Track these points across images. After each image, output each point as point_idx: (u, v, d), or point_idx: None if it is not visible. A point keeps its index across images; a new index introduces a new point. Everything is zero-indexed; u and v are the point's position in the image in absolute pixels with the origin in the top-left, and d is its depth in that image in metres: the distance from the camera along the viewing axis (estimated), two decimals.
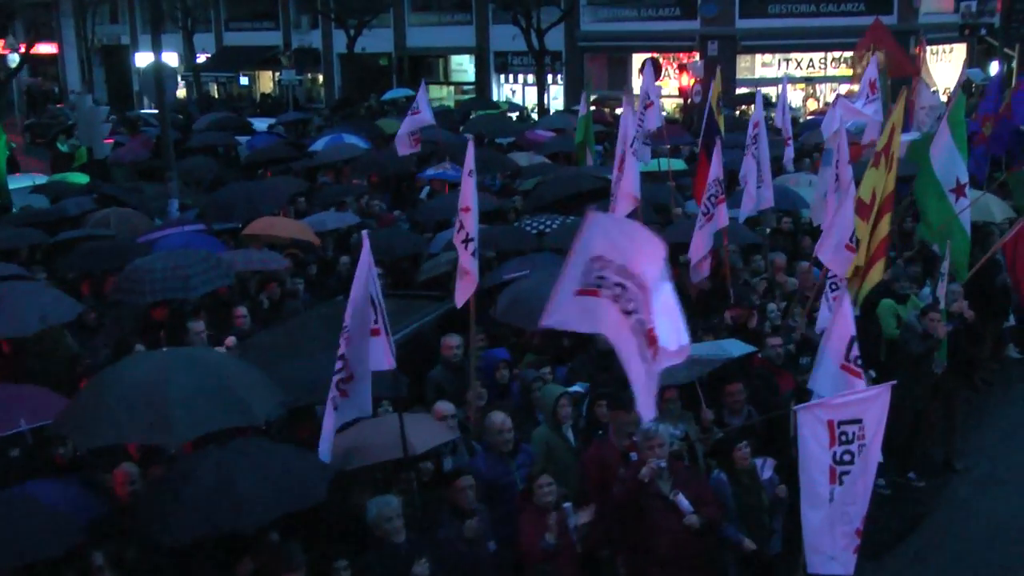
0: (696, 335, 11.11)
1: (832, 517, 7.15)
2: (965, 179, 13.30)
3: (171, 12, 49.48)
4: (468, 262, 9.64)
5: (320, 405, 8.07)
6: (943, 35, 40.13)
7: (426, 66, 47.44)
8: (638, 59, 40.32)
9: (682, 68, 35.09)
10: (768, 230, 15.23)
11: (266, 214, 16.68)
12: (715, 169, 11.96)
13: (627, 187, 11.30)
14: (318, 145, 26.06)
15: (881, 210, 11.55)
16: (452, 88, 47.60)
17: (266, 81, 53.85)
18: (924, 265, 14.52)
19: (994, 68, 38.75)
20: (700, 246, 11.78)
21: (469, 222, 9.55)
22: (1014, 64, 35.33)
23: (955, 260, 12.59)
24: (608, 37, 39.24)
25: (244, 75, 54.28)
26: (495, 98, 43.63)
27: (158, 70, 19.62)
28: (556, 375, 10.70)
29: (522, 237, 14.01)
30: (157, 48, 24.49)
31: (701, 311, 11.96)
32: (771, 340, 10.59)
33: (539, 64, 37.56)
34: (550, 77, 41.12)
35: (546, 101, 38.34)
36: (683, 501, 7.80)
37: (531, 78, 42.41)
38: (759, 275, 13.68)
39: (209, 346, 11.26)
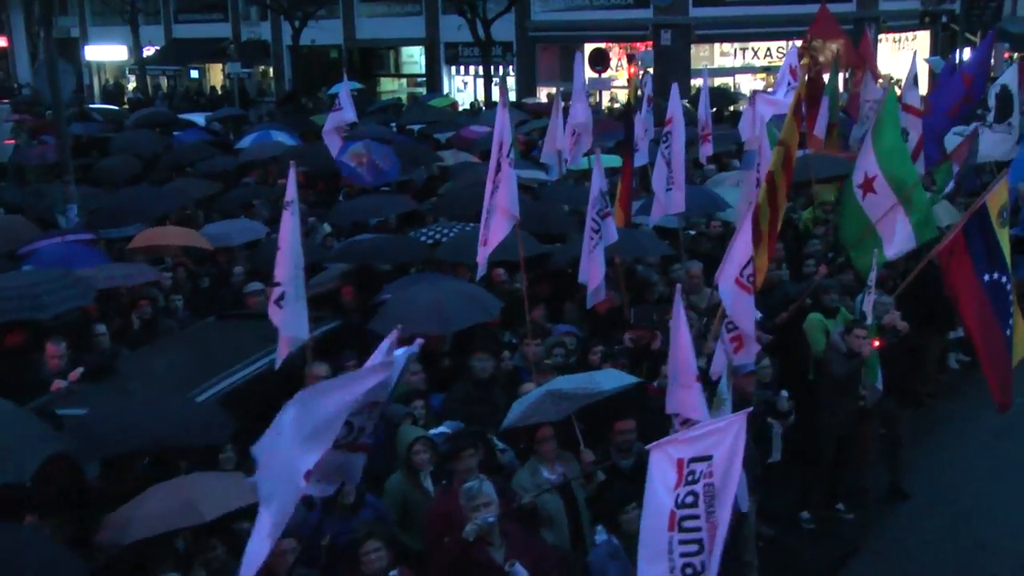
0: (596, 359, 10.07)
1: (674, 572, 5.92)
2: (873, 173, 12.21)
3: (115, 3, 48.05)
4: (275, 315, 8.52)
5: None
6: (904, 23, 39.12)
7: (377, 58, 46.13)
8: (591, 49, 39.15)
9: (630, 59, 33.86)
10: (692, 234, 14.10)
11: (155, 221, 15.53)
12: (598, 180, 10.68)
13: (503, 201, 10.04)
14: (245, 143, 24.85)
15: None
16: (405, 80, 46.28)
17: (216, 74, 52.31)
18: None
19: (967, 55, 37.83)
20: (595, 270, 10.57)
21: (282, 267, 8.37)
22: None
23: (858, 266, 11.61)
24: (559, 27, 37.99)
25: (194, 68, 52.75)
26: (446, 91, 42.41)
27: (50, 64, 18.20)
28: (431, 405, 9.58)
29: (413, 249, 12.73)
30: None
31: (602, 332, 10.83)
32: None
33: (485, 55, 36.29)
34: (501, 69, 39.92)
35: (494, 94, 37.05)
36: (520, 572, 6.61)
37: (482, 69, 41.16)
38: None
39: (66, 371, 10.16)
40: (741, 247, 9.37)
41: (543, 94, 38.99)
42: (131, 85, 52.86)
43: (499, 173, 10.37)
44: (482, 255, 10.39)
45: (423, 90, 43.10)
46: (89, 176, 22.32)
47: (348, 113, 20.31)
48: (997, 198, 11.19)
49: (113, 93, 53.26)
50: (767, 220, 10.88)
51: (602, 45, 38.07)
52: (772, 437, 9.92)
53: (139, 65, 47.61)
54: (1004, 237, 11.11)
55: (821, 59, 20.37)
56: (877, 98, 17.19)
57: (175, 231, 14.96)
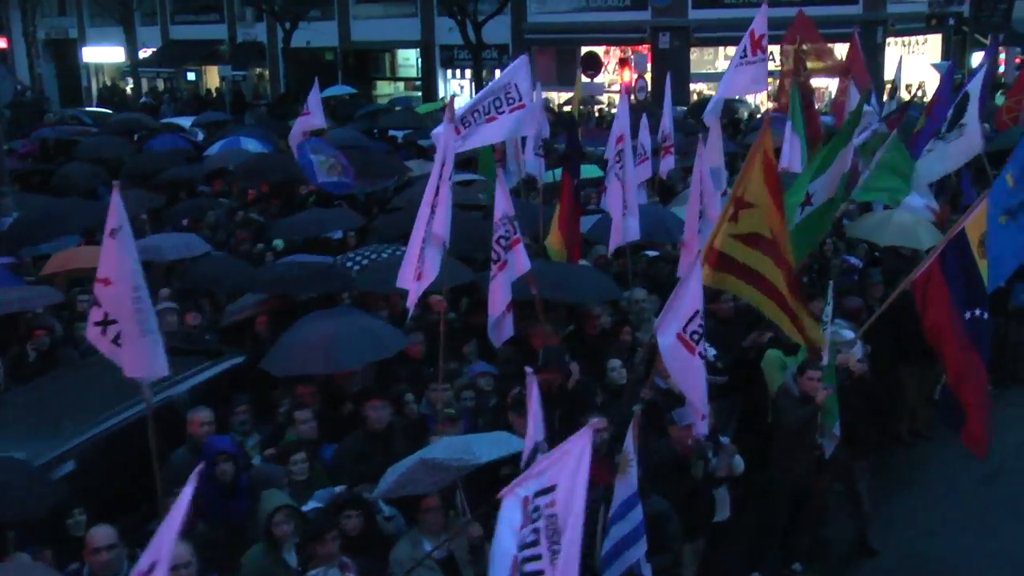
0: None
1: None
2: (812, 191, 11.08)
3: (110, 5, 47.22)
4: (115, 355, 7.52)
5: None
6: (912, 26, 37.76)
7: (372, 61, 45.07)
8: (584, 52, 38.01)
9: (623, 63, 32.62)
10: (651, 256, 12.94)
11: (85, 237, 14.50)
12: (501, 203, 9.50)
13: (438, 229, 8.93)
14: (213, 150, 23.81)
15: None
16: (403, 84, 45.21)
17: (213, 77, 51.43)
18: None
19: (975, 60, 36.38)
20: (496, 300, 9.43)
21: (114, 302, 7.30)
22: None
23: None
24: (556, 29, 36.78)
25: (191, 71, 51.83)
26: (441, 94, 41.28)
27: None
28: (321, 455, 8.49)
29: (330, 278, 11.54)
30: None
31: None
32: (593, 421, 8.19)
33: (476, 58, 35.19)
34: (497, 72, 38.77)
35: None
36: None
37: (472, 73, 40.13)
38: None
39: None
40: (688, 296, 8.10)
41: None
42: (130, 88, 52.00)
43: (437, 196, 9.29)
44: (415, 292, 9.25)
45: (419, 94, 42.02)
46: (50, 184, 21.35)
47: (316, 118, 19.29)
48: (977, 224, 10.00)
49: (110, 95, 52.49)
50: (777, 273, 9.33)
51: (599, 48, 37.10)
52: (715, 494, 8.82)
53: (132, 67, 46.64)
54: (984, 268, 9.93)
55: (810, 65, 19.16)
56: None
57: (92, 251, 13.86)
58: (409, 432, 8.63)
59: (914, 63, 40.34)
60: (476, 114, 11.47)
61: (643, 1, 35.86)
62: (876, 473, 11.43)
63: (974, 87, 15.74)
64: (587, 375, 9.88)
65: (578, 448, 5.02)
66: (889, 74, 38.73)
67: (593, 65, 30.26)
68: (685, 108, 32.60)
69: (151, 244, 14.80)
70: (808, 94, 17.69)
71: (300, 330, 9.49)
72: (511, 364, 10.10)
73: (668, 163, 15.77)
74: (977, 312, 9.80)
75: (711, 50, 37.36)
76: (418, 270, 9.07)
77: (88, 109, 42.55)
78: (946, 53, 40.98)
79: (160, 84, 52.57)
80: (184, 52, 50.05)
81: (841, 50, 18.39)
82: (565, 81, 36.97)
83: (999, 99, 31.05)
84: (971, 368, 9.87)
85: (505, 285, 9.31)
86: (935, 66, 35.56)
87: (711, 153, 12.61)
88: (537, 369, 9.03)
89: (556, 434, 8.54)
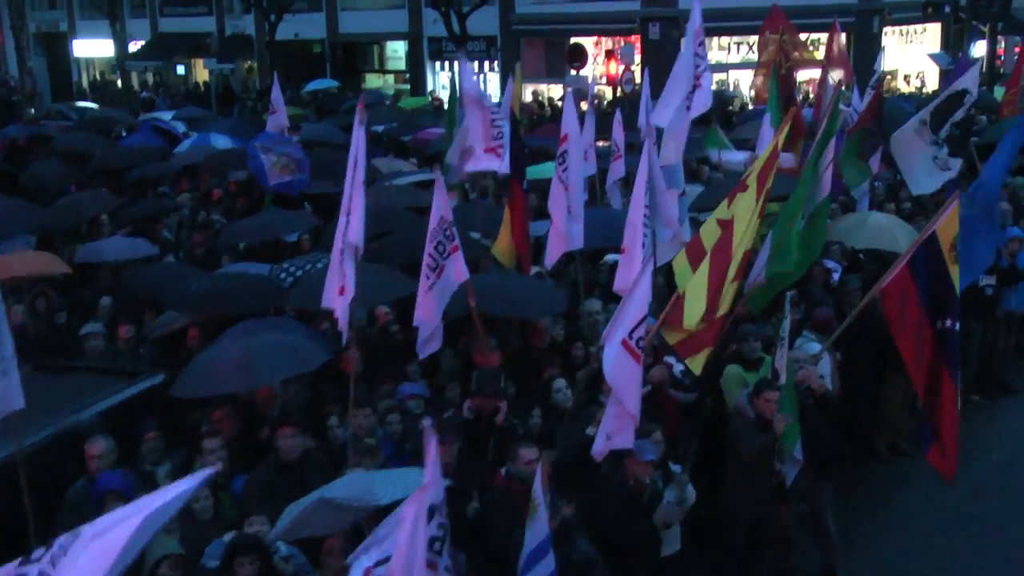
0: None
1: None
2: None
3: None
4: None
5: None
6: (910, 15, 36.90)
7: (361, 53, 44.28)
8: (572, 44, 37.20)
9: (609, 54, 31.76)
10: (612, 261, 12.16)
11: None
12: (439, 206, 8.77)
13: (352, 237, 8.21)
14: (182, 147, 23.11)
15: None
16: (393, 76, 44.39)
17: (202, 70, 50.65)
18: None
19: (979, 49, 35.47)
20: (427, 310, 8.70)
21: None
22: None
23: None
24: (544, 20, 35.95)
25: (180, 64, 51.09)
26: (430, 87, 40.54)
27: None
28: (232, 488, 7.80)
29: (260, 296, 10.76)
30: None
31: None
32: (523, 451, 7.50)
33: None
34: (486, 64, 38.08)
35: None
36: None
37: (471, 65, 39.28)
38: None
39: None
40: (635, 302, 7.62)
41: (528, 91, 37.03)
42: (119, 82, 51.28)
43: (351, 202, 8.57)
44: (341, 309, 8.54)
45: (407, 87, 41.26)
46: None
47: (282, 117, 18.62)
48: (949, 226, 9.24)
49: (101, 89, 51.80)
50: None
51: (590, 39, 36.28)
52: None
53: (118, 60, 45.90)
54: (956, 274, 9.20)
55: (795, 55, 18.40)
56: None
57: (29, 257, 13.22)
58: (327, 462, 7.92)
59: (913, 53, 39.50)
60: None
61: None
62: (850, 493, 10.75)
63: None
64: (530, 394, 9.22)
65: (411, 514, 4.43)
66: (887, 65, 37.98)
67: (579, 57, 29.44)
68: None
69: (95, 247, 14.21)
70: (790, 86, 16.87)
71: (216, 347, 8.81)
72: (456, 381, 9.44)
73: (617, 169, 14.84)
74: (948, 323, 9.08)
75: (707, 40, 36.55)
76: (341, 284, 8.38)
77: (78, 104, 41.77)
78: (946, 42, 40.13)
79: (150, 78, 51.91)
80: (173, 45, 49.33)
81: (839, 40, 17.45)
82: (554, 73, 36.26)
83: (998, 91, 30.30)
84: (942, 383, 9.17)
85: (439, 295, 8.58)
86: (933, 57, 34.71)
87: (667, 152, 11.95)
88: (471, 393, 8.44)
89: (490, 464, 7.96)
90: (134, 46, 51.31)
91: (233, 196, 19.43)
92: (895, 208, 15.15)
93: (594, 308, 10.47)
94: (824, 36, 37.69)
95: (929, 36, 40.12)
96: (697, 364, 8.95)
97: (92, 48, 55.09)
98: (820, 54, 37.86)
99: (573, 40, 36.72)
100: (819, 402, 9.05)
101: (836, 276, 12.66)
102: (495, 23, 37.12)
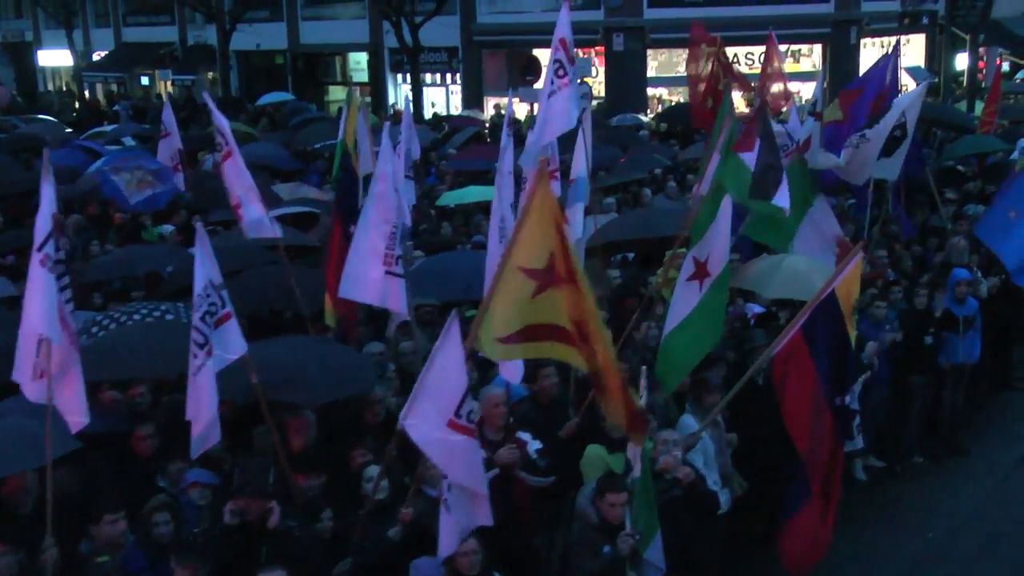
0: None
1: None
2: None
3: (48, 7, 45.03)
4: None
5: None
6: (889, 26, 35.28)
7: (323, 65, 42.69)
8: (540, 55, 35.56)
9: None
10: None
11: None
12: (205, 264, 7.05)
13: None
14: (93, 168, 21.49)
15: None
16: (357, 89, 42.72)
17: (164, 81, 49.12)
18: None
19: (961, 62, 33.83)
20: (198, 400, 7.01)
21: None
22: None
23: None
24: (506, 31, 34.33)
25: (145, 75, 49.53)
26: (392, 99, 38.96)
27: None
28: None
29: None
30: None
31: None
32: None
33: (413, 64, 32.80)
34: (448, 77, 36.56)
35: (429, 103, 33.69)
36: None
37: (431, 77, 37.78)
38: None
39: None
40: (450, 376, 6.40)
41: (490, 105, 35.50)
42: (76, 92, 49.77)
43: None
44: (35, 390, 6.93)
45: (369, 99, 39.62)
46: None
47: (174, 140, 17.07)
48: (851, 283, 7.65)
49: (62, 100, 50.29)
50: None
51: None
52: None
53: (75, 71, 44.40)
54: (854, 338, 7.65)
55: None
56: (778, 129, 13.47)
57: None
58: None
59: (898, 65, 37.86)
60: None
61: (596, 0, 33.41)
62: None
63: (909, 108, 13.24)
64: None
65: None
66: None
67: (532, 70, 27.82)
68: (639, 116, 30.22)
69: None
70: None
71: None
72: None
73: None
74: (846, 400, 7.54)
75: (678, 52, 34.90)
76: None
77: (40, 116, 40.22)
78: (930, 55, 38.46)
79: (115, 88, 50.43)
80: (134, 55, 47.83)
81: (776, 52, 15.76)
82: (517, 85, 34.62)
83: (979, 106, 28.68)
84: (836, 463, 7.67)
85: (208, 382, 6.92)
86: (910, 71, 33.02)
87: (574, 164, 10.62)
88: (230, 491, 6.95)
89: None
90: (99, 56, 50.03)
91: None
92: None
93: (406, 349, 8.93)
94: (805, 48, 37.16)
95: (912, 48, 38.47)
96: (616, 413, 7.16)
97: (57, 58, 53.66)
98: (802, 66, 36.94)
99: (544, 52, 35.17)
100: (688, 493, 7.43)
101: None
102: (456, 34, 35.54)
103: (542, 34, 34.47)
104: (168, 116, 16.87)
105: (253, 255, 11.05)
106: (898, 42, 16.23)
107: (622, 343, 9.94)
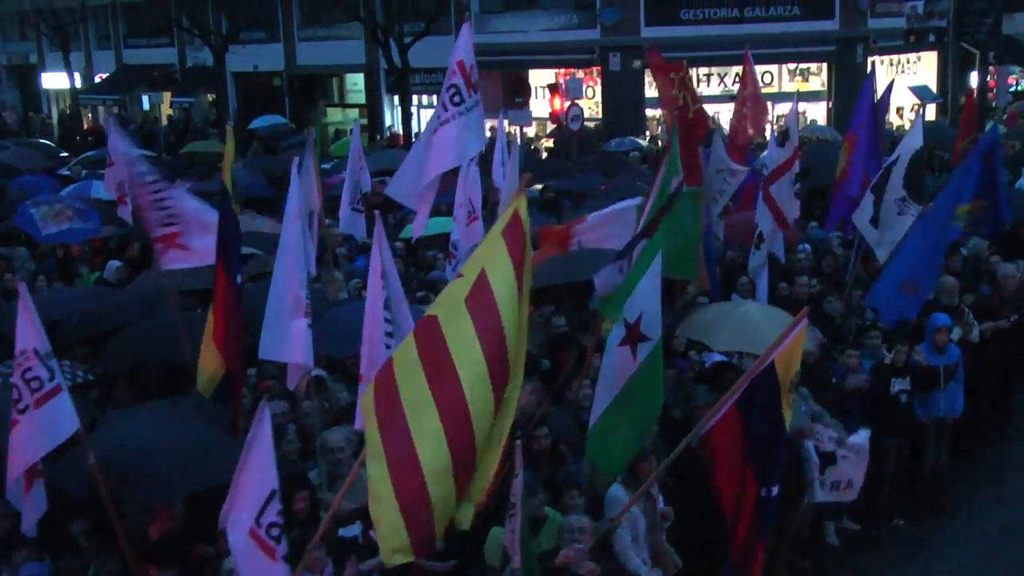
0: None
1: None
2: None
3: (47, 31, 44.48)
4: None
5: None
6: (898, 43, 34.20)
7: (320, 86, 41.90)
8: (536, 76, 34.71)
9: (553, 89, 29.08)
10: None
11: None
12: (26, 328, 6.07)
13: None
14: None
15: None
16: (357, 111, 41.94)
17: (167, 104, 48.53)
18: None
19: (975, 80, 32.61)
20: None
21: None
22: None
23: None
24: (500, 51, 33.36)
25: (146, 96, 48.87)
26: (388, 121, 38.10)
27: None
28: None
29: None
30: None
31: None
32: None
33: (400, 84, 31.92)
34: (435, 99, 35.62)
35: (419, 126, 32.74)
36: None
37: (428, 99, 36.90)
38: None
39: None
40: (255, 474, 5.15)
41: (487, 127, 34.56)
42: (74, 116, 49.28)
43: None
44: None
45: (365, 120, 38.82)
46: None
47: (120, 170, 16.13)
48: (792, 355, 6.60)
49: (69, 123, 49.78)
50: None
51: (549, 71, 33.79)
52: None
53: (72, 94, 43.82)
54: (789, 413, 6.61)
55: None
56: (732, 167, 12.44)
57: None
58: None
59: (903, 83, 36.57)
60: None
61: (593, 19, 32.44)
62: None
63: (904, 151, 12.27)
64: None
65: None
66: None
67: (520, 91, 26.91)
68: (637, 140, 29.21)
69: None
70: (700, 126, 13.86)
71: None
72: None
73: (474, 233, 12.13)
74: (771, 491, 6.51)
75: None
76: None
77: (40, 140, 39.67)
78: (943, 73, 37.24)
79: (116, 111, 49.87)
80: (135, 77, 47.25)
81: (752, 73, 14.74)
82: (512, 106, 33.72)
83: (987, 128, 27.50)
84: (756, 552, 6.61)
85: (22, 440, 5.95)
86: (914, 90, 31.93)
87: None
88: None
89: None
90: (101, 78, 49.54)
91: (96, 252, 17.05)
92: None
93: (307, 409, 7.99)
94: (814, 66, 36.02)
95: (924, 66, 37.32)
96: (465, 517, 6.26)
97: (60, 80, 53.23)
98: (811, 85, 35.80)
99: (540, 72, 34.29)
100: None
101: None
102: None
103: (535, 54, 33.99)
104: (114, 144, 15.89)
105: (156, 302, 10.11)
106: (873, 66, 15.23)
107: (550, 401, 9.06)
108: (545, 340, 10.78)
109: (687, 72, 13.31)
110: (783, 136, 11.91)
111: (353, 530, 7.31)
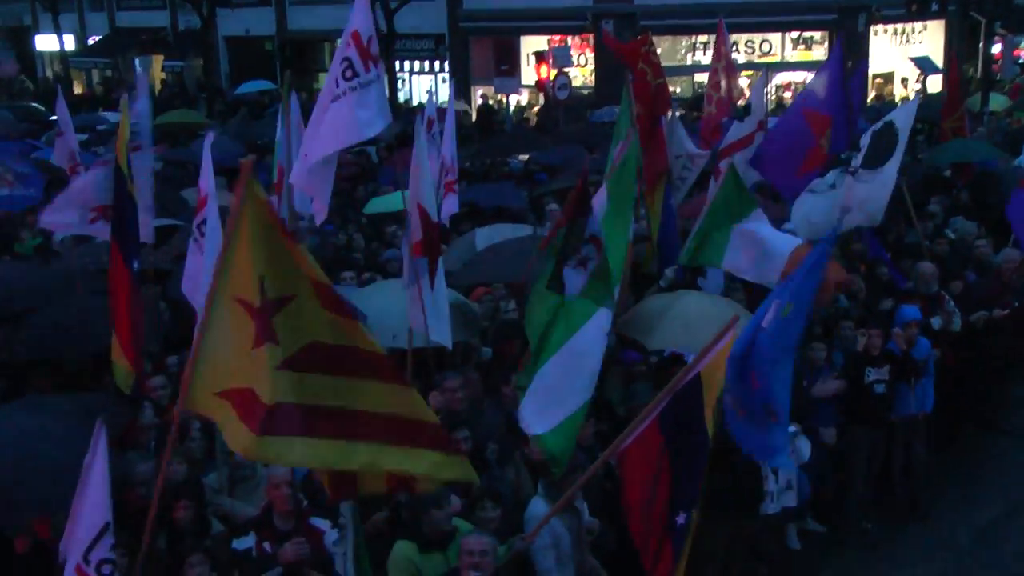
0: None
1: None
2: None
3: None
4: None
5: None
6: (901, 12, 33.17)
7: (312, 51, 41.04)
8: (528, 42, 33.80)
9: (539, 57, 28.12)
10: None
11: None
12: None
13: None
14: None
15: None
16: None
17: (159, 67, 47.69)
18: None
19: (994, 50, 31.57)
20: None
21: None
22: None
23: None
24: (493, 16, 32.51)
25: (137, 58, 48.01)
26: None
27: None
28: None
29: None
30: None
31: None
32: None
33: (386, 49, 31.06)
34: (437, 64, 34.86)
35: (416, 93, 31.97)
36: None
37: (420, 64, 36.15)
38: None
39: None
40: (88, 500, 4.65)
41: (477, 94, 33.79)
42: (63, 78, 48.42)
43: None
44: None
45: None
46: None
47: (69, 139, 15.45)
48: (717, 368, 5.92)
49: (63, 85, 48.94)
50: None
51: (542, 37, 32.91)
52: None
53: (61, 57, 43.00)
54: (712, 430, 5.94)
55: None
56: (693, 151, 11.77)
57: None
58: None
59: (912, 54, 35.56)
60: None
61: None
62: None
63: (903, 119, 11.49)
64: None
65: None
66: (875, 67, 34.16)
67: (507, 59, 26.08)
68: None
69: None
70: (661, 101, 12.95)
71: None
72: None
73: (450, 205, 11.59)
74: (683, 519, 5.85)
75: (673, 39, 32.94)
76: None
77: (33, 104, 39.00)
78: (949, 42, 36.17)
79: (109, 74, 49.06)
80: (127, 41, 46.41)
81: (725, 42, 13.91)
82: (504, 74, 32.95)
83: (995, 100, 26.59)
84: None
85: None
86: (916, 60, 30.99)
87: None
88: None
89: None
90: (93, 40, 48.69)
91: None
92: None
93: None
94: (818, 35, 35.04)
95: (930, 35, 36.29)
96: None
97: (53, 43, 52.40)
98: (814, 54, 34.83)
99: (533, 38, 33.40)
100: None
101: None
102: (444, 20, 33.81)
103: (527, 20, 33.09)
104: (62, 112, 15.18)
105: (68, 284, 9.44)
106: (839, 38, 14.44)
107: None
108: (492, 328, 10.18)
109: (652, 44, 12.46)
110: (745, 110, 11.14)
111: (247, 542, 6.71)
